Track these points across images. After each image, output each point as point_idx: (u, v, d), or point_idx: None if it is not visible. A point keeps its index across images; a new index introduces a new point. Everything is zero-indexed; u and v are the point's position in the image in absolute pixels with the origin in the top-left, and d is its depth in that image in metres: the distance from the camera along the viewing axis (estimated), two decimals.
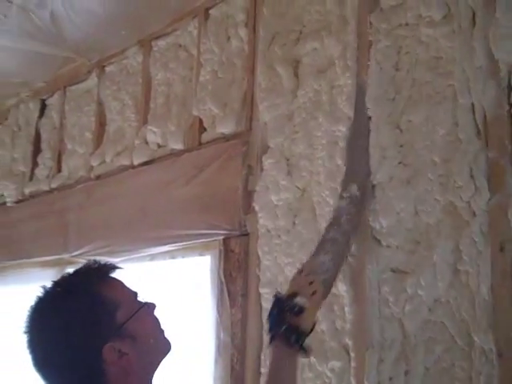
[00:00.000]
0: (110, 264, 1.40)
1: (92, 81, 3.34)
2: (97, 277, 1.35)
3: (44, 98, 3.75)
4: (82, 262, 2.98)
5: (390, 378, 1.68)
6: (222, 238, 2.28)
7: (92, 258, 1.42)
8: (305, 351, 1.53)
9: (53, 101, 3.69)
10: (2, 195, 3.91)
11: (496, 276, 1.52)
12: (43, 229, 3.38)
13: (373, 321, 1.73)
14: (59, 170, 3.48)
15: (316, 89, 2.05)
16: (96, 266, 1.38)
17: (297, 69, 2.15)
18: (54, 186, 3.45)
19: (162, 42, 2.91)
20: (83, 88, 3.43)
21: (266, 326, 1.66)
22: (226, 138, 2.41)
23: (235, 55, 2.45)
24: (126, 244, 2.76)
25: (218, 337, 2.23)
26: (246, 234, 2.22)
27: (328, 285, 1.65)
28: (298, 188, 2.05)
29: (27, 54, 3.28)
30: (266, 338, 2.02)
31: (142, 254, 2.68)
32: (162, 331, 1.41)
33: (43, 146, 3.71)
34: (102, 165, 3.10)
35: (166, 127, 2.71)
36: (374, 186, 1.80)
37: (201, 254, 2.43)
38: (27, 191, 3.68)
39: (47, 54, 3.27)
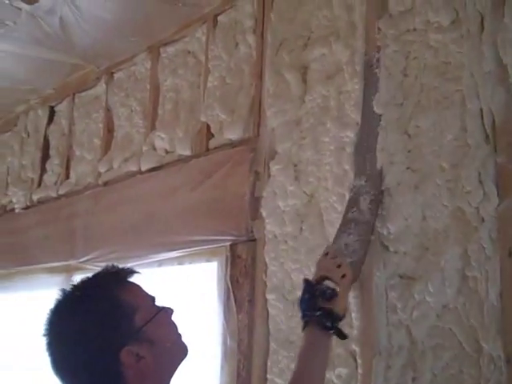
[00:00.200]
0: (128, 268, 1.42)
1: (100, 87, 3.35)
2: (115, 281, 1.37)
3: (53, 104, 3.77)
4: (89, 268, 3.02)
5: None
6: (229, 243, 2.28)
7: (110, 262, 1.43)
8: (342, 334, 1.56)
9: (61, 107, 3.71)
10: (11, 201, 3.92)
11: (505, 282, 1.51)
12: (51, 235, 3.39)
13: (380, 327, 1.71)
14: (67, 177, 3.49)
15: (324, 94, 2.05)
16: (114, 270, 1.40)
17: (305, 74, 2.15)
18: (62, 192, 3.46)
19: (170, 49, 2.92)
20: (92, 94, 3.45)
21: (298, 312, 1.65)
22: (233, 144, 2.41)
23: (243, 61, 2.45)
24: (133, 250, 2.76)
25: (224, 343, 2.22)
26: (253, 240, 2.21)
27: (357, 267, 1.66)
28: (306, 194, 2.05)
29: (36, 61, 3.30)
30: (273, 345, 2.06)
31: (150, 260, 2.68)
32: (180, 335, 1.42)
33: (52, 152, 3.73)
34: (110, 171, 3.10)
35: (174, 133, 2.72)
36: (382, 192, 1.79)
37: (208, 260, 2.42)
38: (35, 197, 3.69)
39: (56, 60, 3.29)
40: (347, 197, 1.88)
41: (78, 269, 3.17)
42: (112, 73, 3.30)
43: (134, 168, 2.92)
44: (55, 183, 3.56)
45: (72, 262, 3.17)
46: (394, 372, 1.68)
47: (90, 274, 1.39)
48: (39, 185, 3.72)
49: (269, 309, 2.09)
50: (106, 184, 3.13)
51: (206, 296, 2.38)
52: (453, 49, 1.69)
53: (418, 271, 1.68)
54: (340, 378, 1.81)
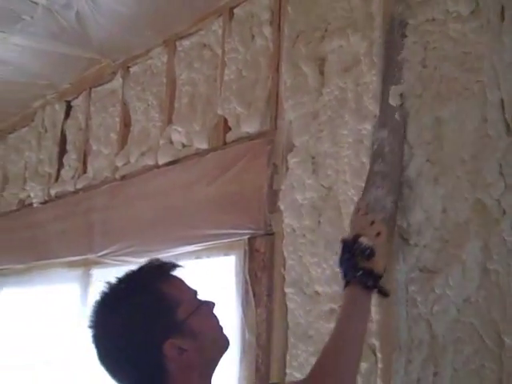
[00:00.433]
0: (171, 262, 1.44)
1: (117, 81, 3.36)
2: (158, 275, 1.39)
3: (69, 99, 3.79)
4: (107, 262, 3.04)
5: (418, 380, 1.65)
6: (247, 237, 2.27)
7: (153, 256, 1.46)
8: (384, 293, 1.57)
9: (78, 102, 3.73)
10: (29, 196, 3.95)
11: None
12: (69, 229, 3.41)
13: (400, 321, 1.70)
14: (84, 171, 3.51)
15: (341, 86, 2.03)
16: (157, 264, 1.42)
17: (322, 67, 2.13)
18: (79, 186, 3.48)
19: (186, 42, 2.91)
20: (108, 89, 3.46)
21: (338, 271, 1.64)
22: (250, 137, 2.40)
23: (260, 54, 2.44)
24: (150, 244, 2.77)
25: (242, 337, 2.22)
26: (271, 234, 2.20)
27: (390, 224, 1.66)
28: (324, 187, 2.03)
29: (53, 56, 3.31)
30: (292, 339, 2.05)
31: (167, 254, 2.67)
32: (221, 328, 1.44)
33: (69, 147, 3.75)
34: (127, 165, 3.11)
35: (191, 127, 2.71)
36: (401, 184, 1.77)
37: (226, 254, 2.42)
38: (53, 192, 3.72)
39: (72, 55, 3.30)
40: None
41: (95, 263, 3.18)
42: (128, 67, 3.30)
43: (150, 162, 2.92)
44: (72, 178, 3.57)
45: (90, 256, 3.19)
46: (414, 366, 1.66)
47: (134, 268, 1.42)
48: (57, 179, 3.74)
49: (287, 303, 2.08)
50: (123, 178, 3.13)
51: (224, 290, 2.37)
52: (473, 39, 1.66)
53: (438, 264, 1.66)
54: (360, 372, 1.78)
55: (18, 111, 4.22)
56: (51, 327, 3.60)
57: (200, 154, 2.64)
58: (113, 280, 1.39)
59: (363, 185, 1.85)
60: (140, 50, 3.17)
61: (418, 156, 1.74)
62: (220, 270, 2.49)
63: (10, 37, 3.08)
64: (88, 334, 1.37)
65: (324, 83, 2.10)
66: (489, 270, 1.55)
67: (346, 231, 1.88)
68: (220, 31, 2.70)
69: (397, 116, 1.78)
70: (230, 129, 2.53)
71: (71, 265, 3.38)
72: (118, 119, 3.30)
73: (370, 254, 1.54)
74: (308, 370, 1.87)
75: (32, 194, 3.91)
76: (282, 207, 2.15)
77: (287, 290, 2.08)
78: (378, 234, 1.58)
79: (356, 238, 1.59)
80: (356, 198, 1.89)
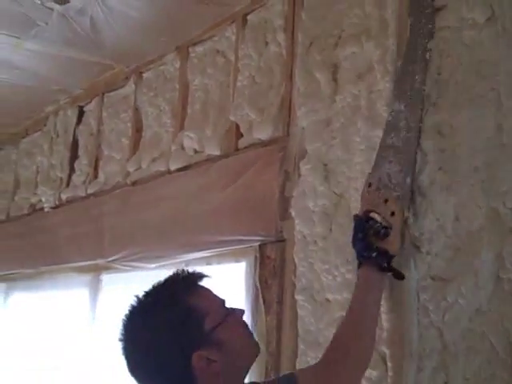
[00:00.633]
0: (199, 273, 1.46)
1: (129, 87, 3.37)
2: (185, 286, 1.41)
3: (82, 104, 3.81)
4: (117, 267, 3.03)
5: None
6: (258, 244, 2.27)
7: (180, 267, 1.49)
8: (399, 274, 1.58)
9: (91, 107, 3.74)
10: (40, 200, 3.96)
11: None
12: (79, 234, 3.41)
13: (411, 329, 1.68)
14: (96, 176, 3.52)
15: (355, 94, 2.02)
16: (184, 275, 1.44)
17: (335, 74, 2.12)
18: (90, 191, 3.49)
19: (199, 48, 2.92)
20: (120, 94, 3.47)
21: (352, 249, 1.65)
22: (263, 144, 2.39)
23: (273, 60, 2.44)
24: (161, 250, 2.77)
25: None
26: (283, 241, 2.20)
27: (404, 203, 1.62)
28: (336, 194, 2.02)
29: (66, 61, 3.33)
30: (301, 346, 2.04)
31: (178, 260, 2.67)
32: (250, 335, 1.48)
33: (80, 152, 3.76)
34: (139, 170, 3.12)
35: (203, 133, 2.71)
36: (413, 192, 1.76)
37: (236, 261, 2.42)
38: (64, 197, 3.73)
39: (86, 60, 3.32)
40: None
41: (106, 268, 3.19)
42: (141, 72, 3.31)
43: (162, 168, 2.92)
44: (84, 182, 3.59)
45: (100, 262, 3.19)
46: (424, 375, 1.65)
47: (161, 279, 1.45)
48: (68, 184, 3.75)
49: (298, 310, 2.07)
50: (134, 184, 3.14)
51: (235, 297, 2.36)
52: (488, 46, 1.65)
53: (450, 273, 1.65)
54: (370, 380, 1.78)
55: (30, 116, 4.25)
56: (60, 332, 3.60)
57: (212, 160, 2.64)
58: (141, 294, 1.42)
59: None
60: (153, 55, 3.18)
61: (431, 164, 1.73)
62: (230, 277, 2.48)
63: (25, 42, 3.10)
64: (118, 347, 1.40)
65: (337, 90, 2.10)
66: (502, 279, 1.54)
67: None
68: (233, 37, 2.70)
69: (416, 86, 1.74)
70: (242, 135, 2.53)
71: (81, 270, 3.39)
72: (130, 124, 3.31)
73: (384, 233, 1.55)
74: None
75: (43, 199, 3.93)
76: (293, 214, 2.15)
77: (298, 297, 2.08)
78: (393, 213, 1.57)
79: (368, 213, 1.59)
80: None
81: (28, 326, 3.96)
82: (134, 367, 1.39)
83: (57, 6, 2.77)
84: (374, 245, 1.55)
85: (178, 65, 3.03)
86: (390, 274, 1.58)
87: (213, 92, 2.78)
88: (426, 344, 1.66)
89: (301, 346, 2.05)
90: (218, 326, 1.37)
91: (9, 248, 4.18)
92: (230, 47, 2.73)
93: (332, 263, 1.98)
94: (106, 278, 3.24)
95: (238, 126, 2.54)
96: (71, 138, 3.82)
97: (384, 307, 1.77)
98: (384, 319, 1.76)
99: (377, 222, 1.58)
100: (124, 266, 3.03)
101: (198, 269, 1.48)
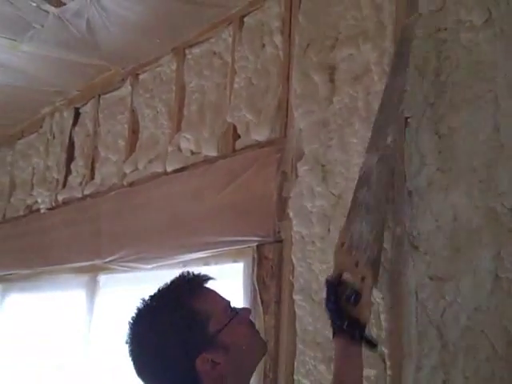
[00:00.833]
0: (204, 275, 1.46)
1: (126, 89, 3.37)
2: (189, 290, 1.42)
3: (78, 106, 3.81)
4: (114, 268, 3.04)
5: None
6: (255, 244, 2.28)
7: (185, 269, 1.48)
8: (372, 344, 1.56)
9: (87, 109, 3.75)
10: (36, 202, 3.96)
11: None
12: (76, 235, 3.41)
13: (410, 328, 1.70)
14: (92, 178, 3.52)
15: (352, 95, 2.04)
16: (189, 278, 1.45)
17: (332, 75, 2.14)
18: (87, 192, 3.49)
19: (196, 50, 2.93)
20: (117, 96, 3.47)
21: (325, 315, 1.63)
22: (260, 145, 2.40)
23: (270, 62, 2.45)
24: (158, 250, 2.77)
25: None
26: (280, 241, 2.21)
27: (375, 267, 1.59)
28: (333, 195, 2.04)
29: (62, 63, 3.33)
30: (300, 346, 2.05)
31: (175, 261, 2.68)
32: (256, 334, 1.49)
33: (77, 153, 3.76)
34: (135, 172, 3.12)
35: (200, 134, 2.72)
36: (411, 192, 1.78)
37: (234, 261, 2.42)
38: (60, 198, 3.73)
39: (82, 62, 3.32)
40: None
41: (103, 269, 3.19)
42: (137, 74, 3.31)
43: (159, 169, 2.93)
44: (80, 184, 3.59)
45: (97, 262, 3.19)
46: (424, 374, 1.66)
47: (167, 282, 1.45)
48: (64, 185, 3.75)
49: (296, 310, 2.09)
50: (131, 185, 3.14)
51: (233, 297, 2.37)
52: (485, 48, 1.67)
53: (448, 272, 1.66)
54: (369, 379, 1.79)
55: (26, 117, 4.24)
56: (57, 333, 3.60)
57: (209, 161, 2.64)
58: (146, 297, 1.43)
59: None
60: (149, 57, 3.19)
61: (429, 165, 1.74)
62: (228, 277, 2.49)
63: (21, 44, 3.10)
64: (125, 349, 1.41)
65: (334, 91, 2.11)
66: (500, 279, 1.55)
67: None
68: (230, 39, 2.71)
69: (389, 142, 1.70)
70: (239, 136, 2.54)
71: (78, 270, 3.39)
72: (126, 126, 3.31)
73: (355, 299, 1.52)
74: (316, 377, 1.89)
75: (39, 200, 3.93)
76: (291, 215, 2.16)
77: (296, 297, 2.09)
78: (363, 278, 1.54)
79: (339, 277, 1.56)
80: None
81: (25, 327, 3.96)
82: (141, 369, 1.40)
83: (52, 9, 2.78)
84: (345, 312, 1.53)
85: (174, 66, 3.03)
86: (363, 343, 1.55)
87: (209, 93, 2.78)
88: (425, 343, 1.67)
89: (299, 346, 2.06)
90: (223, 328, 1.37)
91: (5, 249, 4.18)
92: (226, 49, 2.74)
93: (330, 263, 1.98)
94: (103, 278, 3.24)
95: (235, 128, 2.55)
96: (67, 140, 3.82)
97: (382, 307, 1.79)
98: (383, 319, 1.77)
99: (348, 286, 1.54)
100: (121, 266, 3.03)
101: (197, 270, 1.50)
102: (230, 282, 2.44)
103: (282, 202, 2.21)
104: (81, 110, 3.80)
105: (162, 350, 1.35)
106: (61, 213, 3.69)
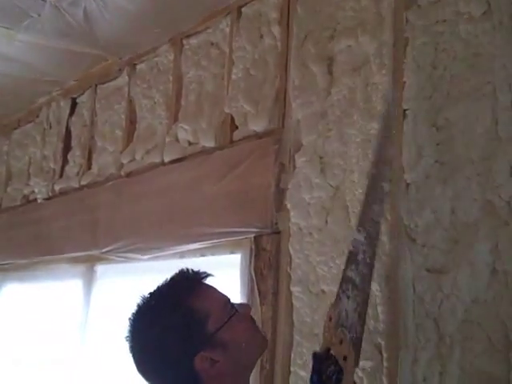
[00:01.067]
0: (203, 272, 1.46)
1: (123, 79, 3.36)
2: (188, 288, 1.42)
3: (75, 96, 3.79)
4: (111, 258, 3.04)
5: (424, 379, 1.66)
6: (253, 235, 2.27)
7: (184, 266, 1.48)
8: None
9: (84, 99, 3.73)
10: (33, 192, 3.95)
11: None
12: (73, 225, 3.41)
13: (407, 320, 1.70)
14: (89, 168, 3.51)
15: (350, 86, 2.03)
16: (188, 275, 1.45)
17: (331, 66, 2.13)
18: (84, 183, 3.48)
19: (193, 40, 2.91)
20: (114, 86, 3.46)
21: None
22: (258, 136, 2.39)
23: (268, 53, 2.44)
24: (155, 241, 2.77)
25: None
26: (278, 232, 2.21)
27: (357, 347, 1.56)
28: (331, 186, 2.04)
29: (59, 53, 3.31)
30: (297, 337, 2.06)
31: (172, 252, 2.68)
32: (256, 330, 1.49)
33: (73, 143, 3.75)
34: (133, 162, 3.11)
35: (198, 125, 2.71)
36: (408, 184, 1.77)
37: (232, 252, 2.42)
38: (57, 188, 3.72)
39: (79, 52, 3.30)
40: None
41: (100, 259, 3.19)
42: (134, 64, 3.30)
43: (156, 159, 2.92)
44: (77, 174, 3.58)
45: (94, 253, 3.19)
46: (420, 365, 1.67)
47: (166, 279, 1.45)
48: (61, 175, 3.74)
49: (293, 301, 2.09)
50: (128, 175, 3.14)
51: (230, 288, 2.37)
52: (484, 40, 1.66)
53: (446, 265, 1.66)
54: (365, 370, 1.79)
55: (23, 107, 4.22)
56: (54, 323, 3.60)
57: (206, 152, 2.64)
58: (146, 294, 1.43)
59: None
60: (147, 47, 3.17)
61: (426, 157, 1.74)
62: (225, 268, 2.49)
63: (17, 33, 3.08)
64: (125, 346, 1.42)
65: (332, 83, 2.11)
66: (497, 271, 1.56)
67: (353, 230, 1.89)
68: (228, 30, 2.69)
69: (374, 223, 1.68)
70: (236, 127, 2.53)
71: (75, 261, 3.39)
72: (123, 116, 3.30)
73: (336, 379, 1.49)
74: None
75: (36, 190, 3.92)
76: (288, 206, 2.16)
77: (293, 288, 2.09)
78: (345, 357, 1.51)
79: (327, 352, 1.55)
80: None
81: (21, 318, 3.96)
82: (141, 366, 1.40)
83: None
84: None
85: (171, 57, 3.02)
86: None
87: (207, 84, 2.77)
88: (422, 335, 1.68)
89: (296, 337, 2.06)
90: (222, 327, 1.37)
91: (1, 239, 4.17)
92: (224, 39, 2.72)
93: (328, 255, 2.00)
94: (100, 269, 3.24)
95: (232, 118, 2.54)
96: (64, 130, 3.80)
97: (379, 299, 1.79)
98: (380, 311, 1.78)
99: (332, 363, 1.52)
100: (118, 257, 3.03)
101: (195, 262, 1.49)
102: (227, 273, 2.45)
103: (280, 194, 2.21)
104: (78, 100, 3.79)
105: (161, 348, 1.36)
106: (58, 203, 3.68)
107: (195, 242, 2.55)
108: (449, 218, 1.67)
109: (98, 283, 3.25)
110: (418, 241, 1.73)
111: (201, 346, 1.35)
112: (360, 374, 1.81)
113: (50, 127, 3.96)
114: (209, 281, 1.46)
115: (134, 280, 3.00)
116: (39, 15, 2.91)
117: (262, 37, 2.49)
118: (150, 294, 1.43)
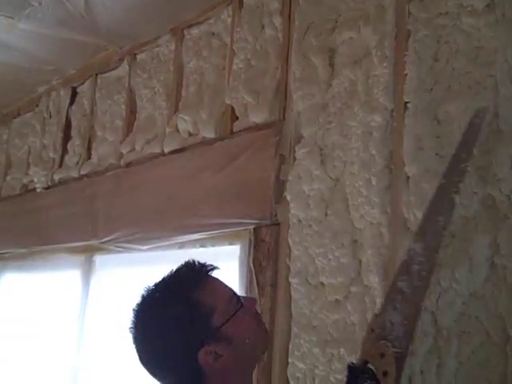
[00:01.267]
0: (209, 265, 1.44)
1: (123, 68, 3.35)
2: (193, 280, 1.39)
3: (75, 85, 3.79)
4: (110, 248, 3.04)
5: (422, 372, 1.66)
6: (252, 227, 2.27)
7: (190, 258, 1.46)
8: None
9: (84, 88, 3.72)
10: (32, 181, 3.95)
11: None
12: (72, 215, 3.41)
13: None
14: (89, 157, 3.50)
15: (351, 78, 2.02)
16: (193, 268, 1.42)
17: (332, 58, 2.12)
18: (83, 172, 3.48)
19: (194, 31, 2.90)
20: (114, 76, 3.45)
21: None
22: (258, 127, 2.39)
23: (269, 44, 2.43)
24: (155, 231, 2.77)
25: None
26: (277, 224, 2.20)
27: (400, 363, 1.42)
28: (331, 178, 2.03)
29: (59, 42, 3.30)
30: (295, 329, 2.06)
31: (171, 242, 2.68)
32: (261, 324, 1.47)
33: (73, 133, 3.74)
34: (132, 152, 3.11)
35: (198, 115, 2.70)
36: (408, 178, 1.77)
37: (231, 243, 2.42)
38: (57, 178, 3.72)
39: (79, 41, 3.29)
40: (373, 182, 1.86)
41: (99, 249, 3.19)
42: (135, 54, 3.29)
43: (156, 150, 2.92)
44: (77, 163, 3.57)
45: (93, 243, 3.19)
46: (418, 358, 1.66)
47: (172, 270, 1.43)
48: (60, 165, 3.74)
49: (292, 293, 2.09)
50: (128, 165, 3.13)
51: (228, 279, 2.37)
52: (486, 33, 1.66)
53: (444, 258, 1.66)
54: None
55: (22, 96, 4.21)
56: (52, 313, 3.60)
57: (207, 142, 2.63)
58: (151, 285, 1.41)
59: (371, 177, 1.86)
60: (148, 37, 3.16)
61: (426, 150, 1.74)
62: (224, 259, 2.49)
63: (18, 22, 3.07)
64: (129, 336, 1.41)
65: (334, 75, 2.10)
66: (496, 265, 1.56)
67: (353, 223, 1.90)
68: (229, 20, 2.69)
69: (436, 235, 1.54)
70: (237, 118, 2.53)
71: (74, 250, 3.39)
72: (123, 106, 3.30)
73: None
74: (310, 360, 1.89)
75: (35, 179, 3.91)
76: (288, 198, 2.15)
77: (292, 280, 2.09)
78: (385, 373, 1.38)
79: (365, 364, 1.44)
80: (364, 190, 1.89)
81: (19, 307, 3.96)
82: (144, 358, 1.39)
83: None
84: None
85: (172, 47, 3.01)
86: None
87: (208, 75, 2.77)
88: (420, 328, 1.67)
89: (294, 329, 2.07)
90: (227, 321, 1.36)
91: (0, 228, 4.17)
92: (225, 30, 2.71)
93: (327, 247, 1.99)
94: (99, 258, 3.25)
95: (233, 109, 2.53)
96: (64, 119, 3.80)
97: (378, 291, 1.79)
98: (379, 303, 1.77)
99: (369, 377, 1.41)
100: (117, 247, 3.03)
101: (196, 253, 1.47)
102: (226, 264, 2.44)
103: (280, 185, 2.20)
104: (78, 90, 3.78)
105: (165, 341, 1.35)
106: (57, 192, 3.68)
107: (194, 232, 2.55)
108: None
109: (97, 273, 3.26)
110: None
111: (205, 339, 1.34)
112: None
113: (50, 116, 3.96)
114: (214, 273, 1.44)
115: (132, 270, 3.00)
116: (40, 4, 2.90)
117: (263, 28, 2.48)
118: (155, 285, 1.41)
